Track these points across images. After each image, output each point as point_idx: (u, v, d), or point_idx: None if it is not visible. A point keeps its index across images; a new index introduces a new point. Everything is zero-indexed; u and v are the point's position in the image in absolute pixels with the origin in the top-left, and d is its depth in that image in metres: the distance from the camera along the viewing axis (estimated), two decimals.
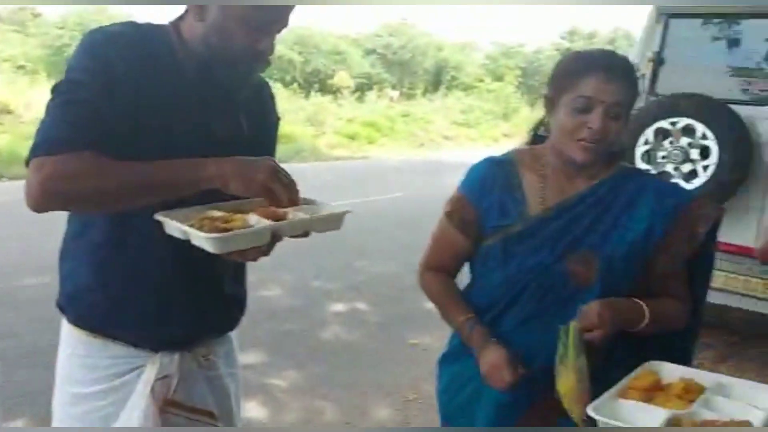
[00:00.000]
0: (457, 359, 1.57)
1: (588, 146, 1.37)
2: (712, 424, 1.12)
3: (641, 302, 1.38)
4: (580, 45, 25.27)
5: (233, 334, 1.56)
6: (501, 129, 20.98)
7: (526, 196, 1.47)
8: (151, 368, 1.35)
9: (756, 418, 1.13)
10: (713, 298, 4.08)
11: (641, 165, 3.97)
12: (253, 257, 1.22)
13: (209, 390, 1.44)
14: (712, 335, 4.65)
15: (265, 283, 4.94)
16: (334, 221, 1.32)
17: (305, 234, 1.29)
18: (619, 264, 1.40)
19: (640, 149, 4.00)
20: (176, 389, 1.37)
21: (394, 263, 5.84)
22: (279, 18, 1.30)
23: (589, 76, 1.36)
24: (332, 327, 4.39)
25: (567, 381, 1.29)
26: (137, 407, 1.34)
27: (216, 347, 1.48)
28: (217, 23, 1.26)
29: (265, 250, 1.22)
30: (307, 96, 17.99)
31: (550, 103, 1.44)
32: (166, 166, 1.20)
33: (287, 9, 1.30)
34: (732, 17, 4.13)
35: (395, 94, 20.75)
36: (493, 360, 1.40)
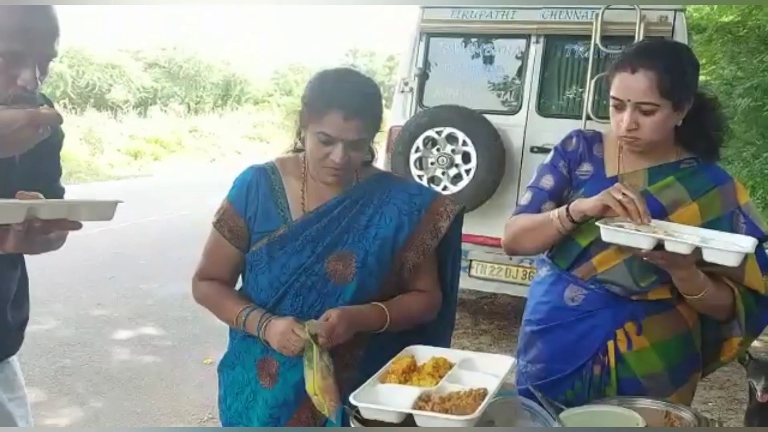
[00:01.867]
0: (233, 365, 1.60)
1: (334, 173, 1.47)
2: (456, 395, 1.26)
3: (383, 307, 1.50)
4: (362, 62, 26.52)
5: (14, 358, 1.53)
6: (292, 147, 21.07)
7: (289, 201, 1.55)
8: None
9: (492, 384, 1.30)
10: (484, 287, 4.58)
11: (415, 171, 4.30)
12: (13, 245, 1.11)
13: None
14: (486, 321, 5.16)
15: (36, 317, 4.47)
16: (102, 209, 1.22)
17: (75, 225, 1.18)
18: (373, 261, 1.52)
19: (413, 156, 4.31)
20: None
21: (186, 284, 5.59)
22: (35, 49, 1.22)
23: (330, 114, 1.41)
24: (118, 356, 4.11)
25: (314, 381, 1.37)
26: None
27: None
28: None
29: (24, 236, 1.11)
30: (81, 112, 16.62)
31: (303, 122, 1.51)
32: None
33: (48, 38, 1.23)
34: (486, 37, 4.64)
35: (180, 108, 19.94)
36: (280, 329, 1.42)
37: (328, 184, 1.51)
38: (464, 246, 1.76)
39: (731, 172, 1.73)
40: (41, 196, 1.17)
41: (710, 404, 3.72)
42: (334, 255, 1.50)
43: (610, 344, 1.64)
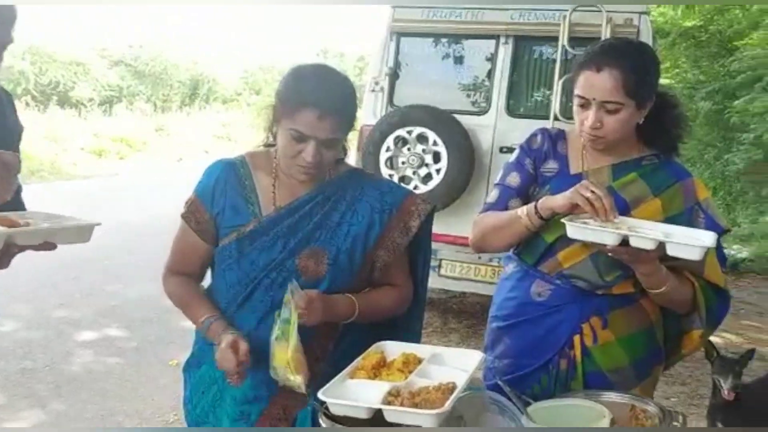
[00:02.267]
0: (199, 364, 1.58)
1: (306, 171, 1.45)
2: (425, 390, 1.26)
3: (353, 298, 1.50)
4: (332, 62, 26.45)
5: None
6: (264, 142, 20.92)
7: (259, 196, 1.53)
8: None
9: (460, 378, 1.30)
10: (453, 286, 4.60)
11: (385, 171, 4.30)
12: None
13: None
14: (456, 320, 5.19)
15: None
16: (80, 233, 1.25)
17: (50, 246, 1.20)
18: (345, 258, 1.51)
19: (383, 156, 4.32)
20: None
21: (151, 284, 5.51)
22: None
23: (304, 112, 1.38)
24: (81, 358, 4.02)
25: (284, 353, 1.35)
26: None
27: None
28: None
29: (1, 260, 1.13)
30: (43, 110, 16.25)
31: (276, 117, 1.49)
32: None
33: (4, 24, 1.22)
34: (455, 37, 4.66)
35: (147, 107, 19.61)
36: (221, 350, 1.40)
37: (300, 181, 1.50)
38: (433, 245, 1.76)
39: (693, 174, 1.77)
40: (19, 220, 1.16)
41: (673, 399, 3.80)
42: (305, 252, 1.49)
43: (576, 338, 1.66)
